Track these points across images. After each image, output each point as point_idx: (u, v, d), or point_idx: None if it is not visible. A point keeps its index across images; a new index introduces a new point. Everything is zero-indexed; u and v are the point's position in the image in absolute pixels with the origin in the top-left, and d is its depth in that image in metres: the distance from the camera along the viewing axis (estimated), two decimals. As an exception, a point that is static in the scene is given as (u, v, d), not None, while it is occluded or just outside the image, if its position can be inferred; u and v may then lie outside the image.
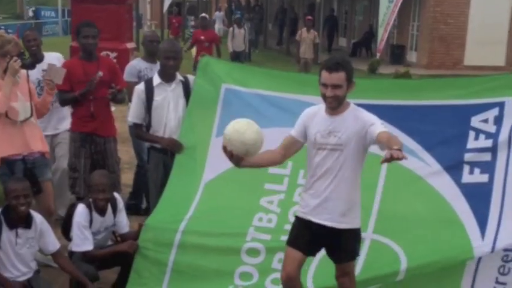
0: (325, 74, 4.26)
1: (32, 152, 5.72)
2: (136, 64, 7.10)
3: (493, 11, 22.68)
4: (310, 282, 5.00)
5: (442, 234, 5.00)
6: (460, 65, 22.92)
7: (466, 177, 5.07)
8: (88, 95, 6.19)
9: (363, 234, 5.00)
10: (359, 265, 4.93)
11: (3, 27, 29.07)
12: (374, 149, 5.24)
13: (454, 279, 4.94)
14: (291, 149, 4.60)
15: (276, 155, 4.61)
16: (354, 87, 4.36)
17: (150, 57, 7.04)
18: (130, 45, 14.48)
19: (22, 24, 39.57)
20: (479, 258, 4.86)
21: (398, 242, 5.01)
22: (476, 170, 5.05)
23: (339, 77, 4.23)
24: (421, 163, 5.17)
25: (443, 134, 5.19)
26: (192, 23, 31.70)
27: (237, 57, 19.26)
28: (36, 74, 6.38)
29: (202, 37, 15.54)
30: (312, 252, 4.68)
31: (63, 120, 6.94)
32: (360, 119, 4.32)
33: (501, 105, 5.02)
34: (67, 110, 6.81)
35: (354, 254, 4.60)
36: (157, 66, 6.42)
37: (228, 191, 5.49)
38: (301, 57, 17.77)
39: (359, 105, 5.19)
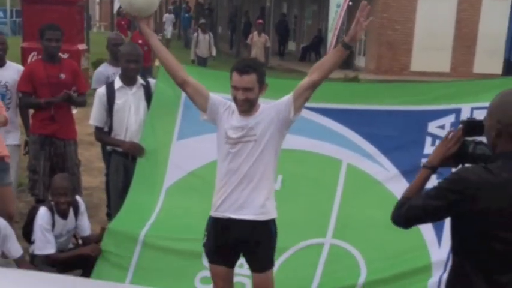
0: (235, 77, 4.11)
1: None
2: (104, 70, 7.07)
3: (438, 18, 23.23)
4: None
5: (399, 239, 4.92)
6: (407, 70, 23.39)
7: None
8: (51, 104, 6.21)
9: (321, 240, 5.10)
10: (318, 270, 4.99)
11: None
12: (331, 151, 5.35)
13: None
14: (197, 93, 4.35)
15: (180, 72, 4.40)
16: (266, 90, 4.22)
17: (116, 61, 6.83)
18: (82, 46, 14.39)
19: (-33, 23, 38.84)
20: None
21: (357, 247, 5.05)
22: (433, 176, 5.12)
23: (250, 79, 4.08)
24: (379, 168, 5.21)
25: (401, 139, 5.22)
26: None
27: (203, 63, 18.16)
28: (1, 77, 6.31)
29: (140, 41, 14.01)
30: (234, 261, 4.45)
31: (8, 133, 6.43)
32: (273, 106, 4.23)
33: (457, 112, 5.06)
34: (13, 124, 6.43)
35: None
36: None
37: (188, 196, 5.50)
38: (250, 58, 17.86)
39: (315, 109, 5.23)
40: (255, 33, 18.76)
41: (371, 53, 24.01)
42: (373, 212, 5.14)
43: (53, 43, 6.26)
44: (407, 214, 3.06)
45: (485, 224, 2.87)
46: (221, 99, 4.35)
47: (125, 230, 5.38)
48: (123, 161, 5.82)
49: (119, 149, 5.80)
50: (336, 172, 5.25)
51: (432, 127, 5.16)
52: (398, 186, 5.06)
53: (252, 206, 4.21)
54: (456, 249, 3.07)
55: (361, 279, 4.91)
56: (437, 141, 5.08)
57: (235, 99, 4.17)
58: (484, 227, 2.88)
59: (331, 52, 4.33)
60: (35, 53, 11.90)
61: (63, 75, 6.21)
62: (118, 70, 6.68)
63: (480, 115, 4.24)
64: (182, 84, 4.39)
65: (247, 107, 4.16)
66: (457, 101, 5.12)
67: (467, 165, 3.13)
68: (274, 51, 27.68)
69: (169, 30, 31.28)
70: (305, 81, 4.22)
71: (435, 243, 4.94)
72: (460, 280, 3.03)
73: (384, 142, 5.28)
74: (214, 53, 18.61)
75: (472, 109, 5.02)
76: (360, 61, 24.90)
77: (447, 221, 4.83)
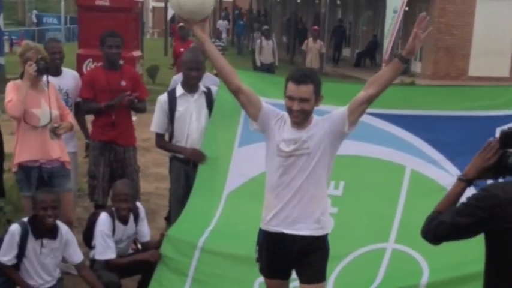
0: (292, 86, 3.96)
1: (50, 160, 5.66)
2: (178, 78, 6.85)
3: (497, 22, 22.82)
4: None
5: (463, 245, 4.93)
6: (465, 75, 23.02)
7: None
8: (113, 107, 6.24)
9: (384, 245, 5.01)
10: (380, 275, 4.91)
11: (7, 33, 29.07)
12: (395, 157, 5.28)
13: None
14: (250, 102, 4.20)
15: (235, 79, 4.24)
16: (321, 101, 4.07)
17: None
18: (137, 53, 14.53)
19: (25, 30, 39.71)
20: None
21: (420, 252, 4.97)
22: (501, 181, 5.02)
23: (307, 89, 3.94)
24: (445, 173, 5.13)
25: (468, 144, 5.09)
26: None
27: (267, 70, 17.58)
28: (59, 84, 6.32)
29: (182, 49, 13.60)
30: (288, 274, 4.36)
31: (68, 141, 6.35)
32: (326, 119, 4.09)
33: None
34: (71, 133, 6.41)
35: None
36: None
37: (249, 201, 5.47)
38: (307, 67, 17.83)
39: (377, 114, 5.12)
40: (310, 39, 18.70)
41: (428, 58, 23.69)
42: None
43: (113, 50, 6.30)
44: (436, 230, 2.97)
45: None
46: (274, 110, 4.21)
47: (184, 237, 5.39)
48: (184, 167, 5.83)
49: (180, 156, 5.80)
50: (400, 178, 5.17)
51: None
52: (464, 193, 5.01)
53: (307, 221, 4.09)
54: (490, 267, 2.94)
55: (424, 281, 4.83)
56: (506, 147, 5.00)
57: (289, 110, 4.02)
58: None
59: (388, 66, 4.18)
60: (90, 59, 12.08)
61: (123, 83, 6.25)
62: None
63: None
64: (236, 92, 4.23)
65: (301, 118, 4.02)
66: None
67: (505, 178, 2.98)
68: (328, 58, 27.55)
69: (224, 37, 31.43)
70: (361, 95, 4.07)
71: None
72: None
73: (449, 148, 5.20)
74: (277, 60, 18.35)
75: None
76: (417, 66, 24.60)
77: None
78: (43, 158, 5.63)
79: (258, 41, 18.56)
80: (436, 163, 5.16)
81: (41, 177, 5.65)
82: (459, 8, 23.20)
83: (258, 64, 18.06)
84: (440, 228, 2.94)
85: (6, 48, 25.68)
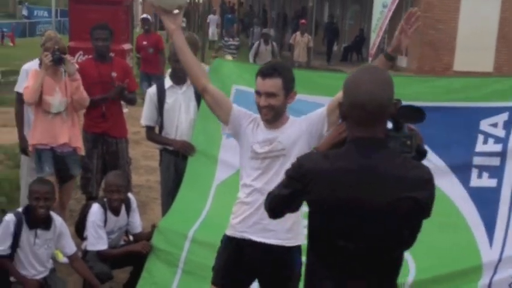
0: (258, 80, 3.75)
1: (60, 145, 5.95)
2: None
3: (482, 17, 22.90)
4: None
5: (449, 238, 4.95)
6: (450, 70, 23.10)
7: (474, 181, 5.00)
8: (105, 100, 6.35)
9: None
10: None
11: (-2, 26, 29.04)
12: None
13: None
14: (218, 104, 3.98)
15: (201, 79, 3.99)
16: (294, 98, 3.85)
17: None
18: (127, 46, 14.48)
19: (17, 23, 39.53)
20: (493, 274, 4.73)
21: (410, 252, 4.97)
22: (485, 174, 4.98)
23: (273, 83, 3.71)
24: (429, 164, 5.16)
25: (452, 135, 5.13)
26: (184, 24, 31.56)
27: None
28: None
29: (144, 42, 13.74)
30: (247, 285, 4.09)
31: None
32: (304, 120, 3.91)
33: (511, 110, 5.00)
34: None
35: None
36: None
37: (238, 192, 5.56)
38: (295, 60, 17.90)
39: None
40: (298, 33, 18.76)
41: (413, 53, 23.77)
42: None
43: (100, 42, 6.44)
44: (270, 204, 2.95)
45: (324, 217, 2.67)
46: (245, 112, 4.00)
47: (175, 228, 5.43)
48: (174, 159, 5.87)
49: (170, 148, 5.86)
50: None
51: (484, 125, 5.07)
52: (448, 183, 5.03)
53: (278, 229, 3.83)
54: (310, 244, 2.84)
55: (410, 278, 4.83)
56: (490, 139, 5.04)
57: (258, 107, 3.82)
58: (323, 219, 2.68)
59: (373, 63, 4.09)
60: (81, 52, 12.07)
61: (114, 74, 6.36)
62: None
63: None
64: (202, 92, 4.02)
65: (271, 116, 3.79)
66: (510, 98, 5.04)
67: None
68: (321, 53, 27.61)
69: (214, 32, 31.28)
70: (340, 94, 3.85)
71: (486, 244, 4.86)
72: (311, 282, 2.83)
73: (434, 138, 5.07)
74: None
75: None
76: (402, 61, 24.68)
77: (499, 221, 4.85)
78: (52, 143, 5.94)
79: (256, 44, 17.14)
80: None
81: (56, 157, 5.98)
82: (444, 2, 23.27)
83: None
84: (271, 201, 2.91)
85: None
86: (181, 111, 5.82)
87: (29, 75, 5.99)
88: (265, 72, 3.73)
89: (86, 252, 5.51)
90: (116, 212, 5.55)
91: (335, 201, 2.61)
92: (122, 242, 5.85)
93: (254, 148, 3.86)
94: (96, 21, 7.18)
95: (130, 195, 5.77)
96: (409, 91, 5.39)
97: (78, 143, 6.08)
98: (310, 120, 3.89)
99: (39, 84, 5.79)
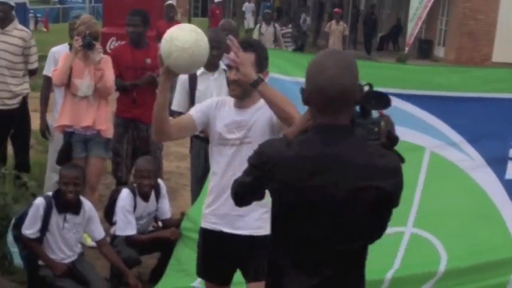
0: (231, 54, 3.59)
1: (84, 127, 6.01)
2: None
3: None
4: None
5: (483, 230, 4.91)
6: (488, 61, 22.78)
7: (510, 174, 4.98)
8: (137, 86, 6.36)
9: (402, 228, 5.00)
10: (398, 260, 4.89)
11: (32, 11, 29.21)
12: (414, 139, 5.22)
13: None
14: (183, 132, 3.96)
15: (163, 136, 3.85)
16: (266, 76, 3.73)
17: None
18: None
19: (50, 8, 39.85)
20: None
21: (438, 236, 4.94)
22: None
23: (247, 57, 3.58)
24: (464, 156, 5.08)
25: (488, 128, 5.08)
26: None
27: None
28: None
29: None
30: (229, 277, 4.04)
31: None
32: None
33: None
34: None
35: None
36: None
37: None
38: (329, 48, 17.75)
39: (395, 94, 5.02)
40: (333, 21, 18.65)
41: (451, 43, 23.50)
42: (457, 201, 5.04)
43: (130, 28, 6.43)
44: (235, 190, 2.87)
45: (284, 206, 2.60)
46: (206, 105, 3.89)
47: None
48: (204, 146, 5.80)
49: (201, 135, 5.82)
50: (419, 160, 5.11)
51: None
52: (483, 176, 5.02)
53: (247, 219, 3.79)
54: (271, 234, 2.76)
55: (441, 268, 4.79)
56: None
57: (228, 82, 3.77)
58: (283, 208, 2.60)
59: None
60: (114, 38, 12.08)
61: (149, 60, 6.32)
62: None
63: None
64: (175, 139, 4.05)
65: (239, 92, 3.69)
66: None
67: None
68: (358, 42, 27.39)
69: (250, 20, 30.97)
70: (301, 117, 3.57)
71: None
72: (271, 273, 2.75)
73: (471, 130, 5.12)
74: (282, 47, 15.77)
75: None
76: (439, 51, 24.42)
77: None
78: (76, 125, 6.02)
79: (257, 26, 16.92)
80: (456, 145, 5.10)
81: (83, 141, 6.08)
82: (484, -8, 22.98)
83: None
84: (236, 189, 2.84)
85: (32, 26, 25.84)
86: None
87: (60, 58, 6.05)
88: (240, 46, 3.59)
89: (114, 237, 5.51)
90: (146, 198, 5.54)
91: (296, 190, 2.53)
92: (151, 228, 5.84)
93: (221, 133, 3.78)
94: (130, 7, 7.17)
95: (160, 181, 5.76)
96: (445, 81, 5.34)
97: (103, 126, 6.08)
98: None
99: (68, 67, 5.84)
